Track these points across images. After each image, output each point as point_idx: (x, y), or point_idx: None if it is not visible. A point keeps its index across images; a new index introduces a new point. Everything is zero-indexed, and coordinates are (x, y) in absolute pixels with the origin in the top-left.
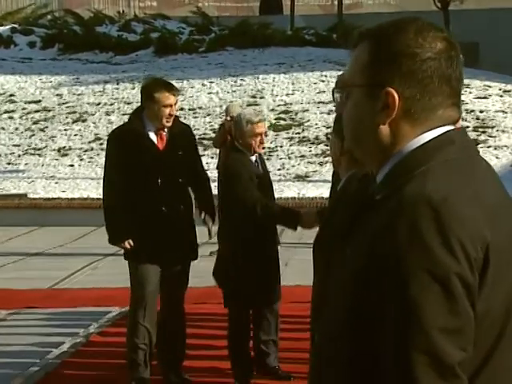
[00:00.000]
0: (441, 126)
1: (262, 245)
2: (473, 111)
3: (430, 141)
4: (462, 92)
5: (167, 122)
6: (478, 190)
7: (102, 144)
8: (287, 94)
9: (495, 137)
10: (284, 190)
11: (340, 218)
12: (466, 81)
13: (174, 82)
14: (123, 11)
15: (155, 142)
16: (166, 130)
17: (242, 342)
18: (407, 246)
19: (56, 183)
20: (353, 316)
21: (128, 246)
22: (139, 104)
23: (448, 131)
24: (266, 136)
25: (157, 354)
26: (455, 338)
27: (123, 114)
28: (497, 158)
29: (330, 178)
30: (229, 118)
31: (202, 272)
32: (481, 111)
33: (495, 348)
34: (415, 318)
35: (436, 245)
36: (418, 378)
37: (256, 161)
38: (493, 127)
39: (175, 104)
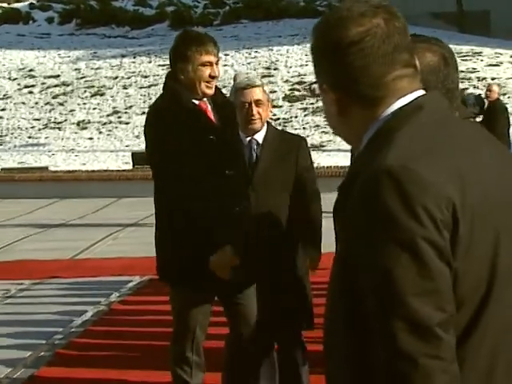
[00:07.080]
0: (403, 96)
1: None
2: (484, 79)
3: (397, 110)
4: (474, 60)
5: (208, 87)
6: (445, 152)
7: (120, 117)
8: (301, 65)
9: (507, 104)
10: None
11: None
12: (477, 49)
13: None
14: None
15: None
16: (206, 100)
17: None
18: (373, 217)
19: (76, 156)
20: (343, 292)
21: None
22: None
23: (416, 98)
24: (260, 105)
25: None
26: (431, 299)
27: (140, 88)
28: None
29: (344, 148)
30: None
31: None
32: (492, 78)
33: (484, 307)
34: (389, 287)
35: (399, 212)
36: (400, 344)
37: (251, 147)
38: (504, 94)
39: (217, 63)
